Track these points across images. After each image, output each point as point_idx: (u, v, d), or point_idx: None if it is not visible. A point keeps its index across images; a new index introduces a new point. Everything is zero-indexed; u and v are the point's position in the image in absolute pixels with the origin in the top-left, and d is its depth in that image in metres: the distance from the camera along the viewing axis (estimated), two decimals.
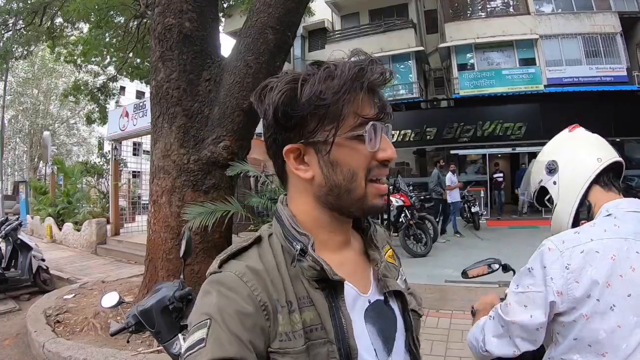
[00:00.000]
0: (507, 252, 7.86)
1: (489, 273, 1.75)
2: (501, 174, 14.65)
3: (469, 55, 16.87)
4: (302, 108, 0.72)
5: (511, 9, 17.10)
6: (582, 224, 1.28)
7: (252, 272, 0.71)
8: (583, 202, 1.32)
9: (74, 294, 5.47)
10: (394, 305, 0.86)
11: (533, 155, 13.13)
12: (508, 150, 16.04)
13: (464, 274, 1.74)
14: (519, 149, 16.03)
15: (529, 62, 16.28)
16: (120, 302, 2.04)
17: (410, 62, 17.83)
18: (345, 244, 0.85)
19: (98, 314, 4.48)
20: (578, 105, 14.59)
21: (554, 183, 1.38)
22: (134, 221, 11.99)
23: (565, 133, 1.45)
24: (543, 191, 1.43)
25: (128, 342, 2.09)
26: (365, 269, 0.86)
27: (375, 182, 0.77)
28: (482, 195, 14.21)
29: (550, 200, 1.41)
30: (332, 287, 0.75)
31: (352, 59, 0.77)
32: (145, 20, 9.87)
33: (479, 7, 17.45)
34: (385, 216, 9.02)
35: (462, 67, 16.81)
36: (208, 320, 0.65)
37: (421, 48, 17.79)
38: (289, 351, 0.68)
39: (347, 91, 0.71)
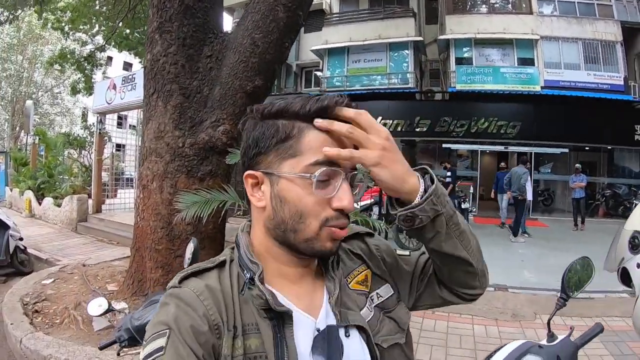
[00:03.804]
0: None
1: None
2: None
3: (468, 49, 16.62)
4: (263, 138, 0.74)
5: (514, 7, 16.91)
6: None
7: (210, 291, 0.73)
8: None
9: (53, 279, 5.13)
10: (355, 337, 0.80)
11: (522, 155, 13.08)
12: (500, 148, 15.93)
13: None
14: (511, 148, 15.95)
15: (527, 62, 16.11)
16: (109, 310, 1.76)
17: (407, 51, 17.44)
18: (303, 273, 0.82)
19: (79, 304, 4.15)
20: (572, 109, 14.66)
21: (637, 266, 0.94)
22: (116, 197, 11.56)
23: None
24: (627, 272, 0.98)
25: (119, 354, 1.80)
26: (322, 296, 0.82)
27: (333, 226, 0.73)
28: (471, 191, 13.99)
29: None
30: (279, 317, 0.74)
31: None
32: None
33: (482, 2, 17.24)
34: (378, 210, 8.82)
35: (460, 61, 16.54)
36: (167, 330, 0.66)
37: (420, 38, 17.38)
38: None
39: (294, 126, 0.72)
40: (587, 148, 16.32)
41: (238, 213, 7.46)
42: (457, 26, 16.44)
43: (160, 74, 3.89)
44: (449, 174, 11.71)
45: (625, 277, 1.02)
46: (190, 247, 1.81)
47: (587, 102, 14.76)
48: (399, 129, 16.26)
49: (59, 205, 10.30)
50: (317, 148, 0.71)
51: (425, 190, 0.76)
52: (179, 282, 0.75)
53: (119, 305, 3.92)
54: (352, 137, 0.71)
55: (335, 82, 18.04)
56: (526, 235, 10.48)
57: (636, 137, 15.04)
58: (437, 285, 0.93)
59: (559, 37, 15.93)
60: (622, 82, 15.24)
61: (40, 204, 11.16)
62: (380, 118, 15.78)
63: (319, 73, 19.50)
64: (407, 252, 0.96)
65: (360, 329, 0.81)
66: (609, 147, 16.30)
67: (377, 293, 0.89)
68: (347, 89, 17.17)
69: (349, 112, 0.72)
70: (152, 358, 0.64)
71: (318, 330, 0.76)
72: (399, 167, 0.74)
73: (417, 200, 0.75)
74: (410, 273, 0.94)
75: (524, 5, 16.61)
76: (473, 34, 16.20)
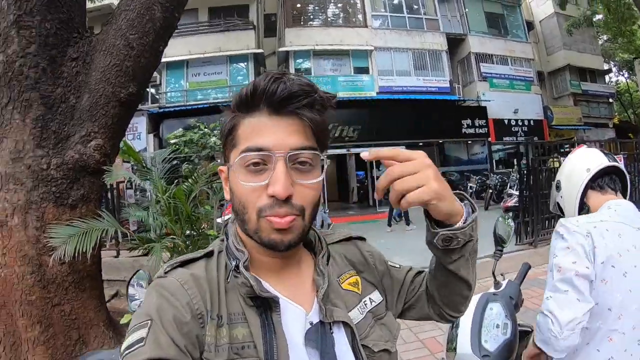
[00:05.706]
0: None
1: None
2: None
3: (306, 60, 17.53)
4: (222, 134, 0.76)
5: (350, 21, 18.30)
6: None
7: (194, 279, 0.72)
8: (582, 207, 1.61)
9: None
10: (340, 335, 0.78)
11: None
12: (344, 151, 16.99)
13: None
14: (353, 150, 17.09)
15: (363, 70, 17.63)
16: None
17: (247, 63, 17.73)
18: (283, 264, 0.79)
19: None
20: (406, 110, 16.41)
21: (561, 197, 1.71)
22: None
23: (569, 155, 1.74)
24: (560, 206, 1.75)
25: None
26: (313, 290, 0.80)
27: (270, 216, 0.69)
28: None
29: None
30: (266, 304, 0.72)
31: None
32: None
33: (319, 16, 18.32)
34: None
35: (299, 71, 17.22)
36: (149, 321, 0.65)
37: (260, 50, 17.77)
38: None
39: (238, 115, 0.72)
40: (421, 144, 18.19)
41: (111, 243, 6.59)
42: (296, 38, 17.24)
43: (16, 80, 3.06)
44: None
45: (560, 210, 1.74)
46: (140, 278, 1.42)
47: (418, 104, 16.69)
48: None
49: None
50: (248, 135, 0.70)
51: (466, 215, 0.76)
52: (165, 272, 0.74)
53: None
54: (400, 158, 0.69)
55: (173, 98, 17.37)
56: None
57: (463, 130, 17.30)
58: (426, 303, 0.97)
59: (391, 48, 17.80)
60: (448, 85, 17.80)
61: None
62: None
63: (152, 90, 18.46)
64: (397, 265, 1.00)
65: (346, 327, 0.78)
66: (440, 141, 18.48)
67: (369, 298, 0.88)
68: (187, 103, 16.82)
69: (382, 152, 0.71)
70: (132, 349, 0.62)
71: (311, 323, 0.75)
72: (450, 194, 0.71)
73: (460, 223, 0.74)
74: (399, 283, 0.97)
75: (354, 20, 18.26)
76: (312, 45, 17.12)
